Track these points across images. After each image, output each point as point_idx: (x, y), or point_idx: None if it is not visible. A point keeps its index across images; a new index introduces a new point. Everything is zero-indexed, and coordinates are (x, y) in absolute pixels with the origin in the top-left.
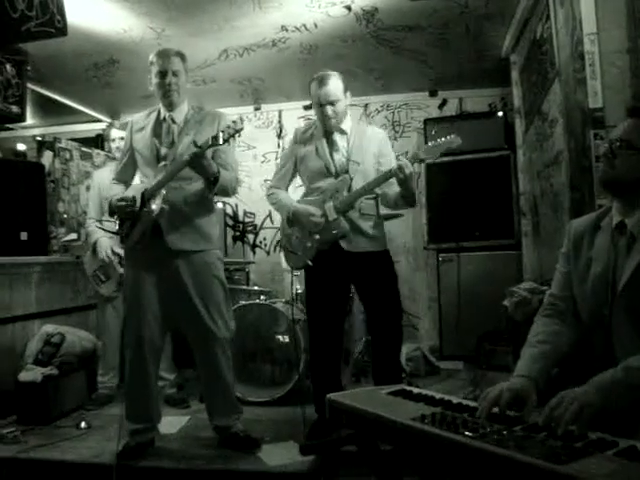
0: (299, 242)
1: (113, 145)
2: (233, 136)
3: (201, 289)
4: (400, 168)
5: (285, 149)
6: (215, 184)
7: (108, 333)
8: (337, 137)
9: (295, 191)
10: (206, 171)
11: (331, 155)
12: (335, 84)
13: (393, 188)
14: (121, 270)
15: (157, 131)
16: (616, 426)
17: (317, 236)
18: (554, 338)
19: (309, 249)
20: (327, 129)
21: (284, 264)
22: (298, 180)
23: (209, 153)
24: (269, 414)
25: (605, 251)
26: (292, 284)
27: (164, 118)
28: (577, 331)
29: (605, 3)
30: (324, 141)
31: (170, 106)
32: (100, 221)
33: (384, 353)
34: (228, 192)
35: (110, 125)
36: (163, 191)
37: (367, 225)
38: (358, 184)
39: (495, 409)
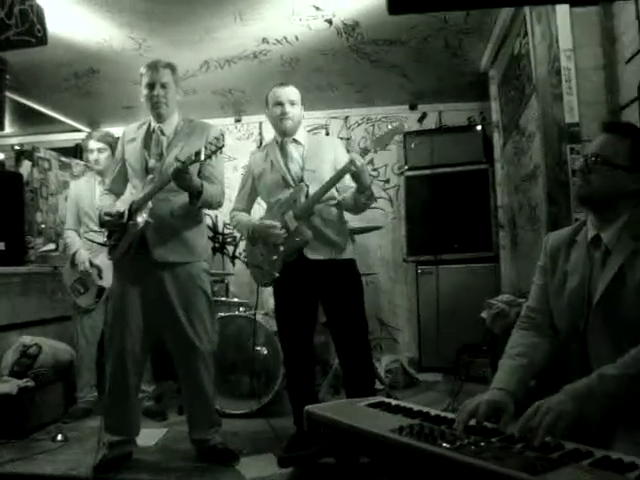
0: (264, 258)
1: (91, 157)
2: (215, 153)
3: (185, 301)
4: (351, 161)
5: (245, 171)
6: (198, 198)
7: (84, 346)
8: (291, 148)
9: (259, 210)
10: (189, 186)
11: (287, 166)
12: (294, 89)
13: (350, 191)
14: (99, 282)
15: (147, 143)
16: (591, 436)
17: (281, 247)
18: (531, 350)
19: (275, 262)
20: (282, 131)
21: None
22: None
23: (196, 167)
24: (247, 426)
25: (581, 265)
26: (257, 298)
27: (154, 130)
28: (554, 343)
29: (581, 20)
30: (278, 154)
31: (159, 118)
32: (77, 231)
33: (352, 366)
34: (212, 205)
35: (88, 136)
36: (150, 204)
37: (330, 232)
38: (314, 190)
39: (473, 421)
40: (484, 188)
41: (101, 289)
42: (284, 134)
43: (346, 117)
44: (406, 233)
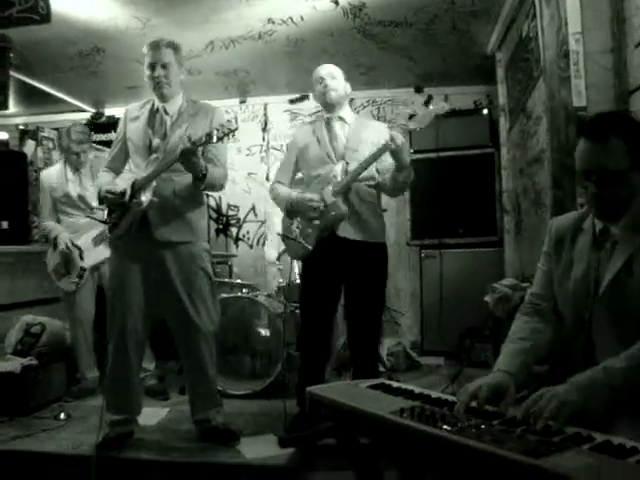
0: (300, 231)
1: (74, 158)
2: (227, 135)
3: (186, 281)
4: (392, 138)
5: (288, 144)
6: (203, 180)
7: (76, 326)
8: (337, 125)
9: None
10: (195, 167)
11: (331, 142)
12: (334, 67)
13: (389, 171)
14: (81, 263)
15: (150, 122)
16: (593, 424)
17: (317, 222)
18: (534, 335)
19: (309, 235)
20: (329, 103)
21: (269, 257)
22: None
23: (200, 148)
24: (249, 407)
25: (587, 253)
26: (290, 270)
27: (157, 109)
28: (557, 330)
29: (590, 3)
30: (324, 130)
31: (162, 98)
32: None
33: (362, 346)
34: (215, 188)
35: (68, 136)
36: (153, 183)
37: (366, 212)
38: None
39: (473, 403)
40: (489, 172)
41: (83, 269)
42: (331, 108)
43: (351, 99)
44: (410, 217)
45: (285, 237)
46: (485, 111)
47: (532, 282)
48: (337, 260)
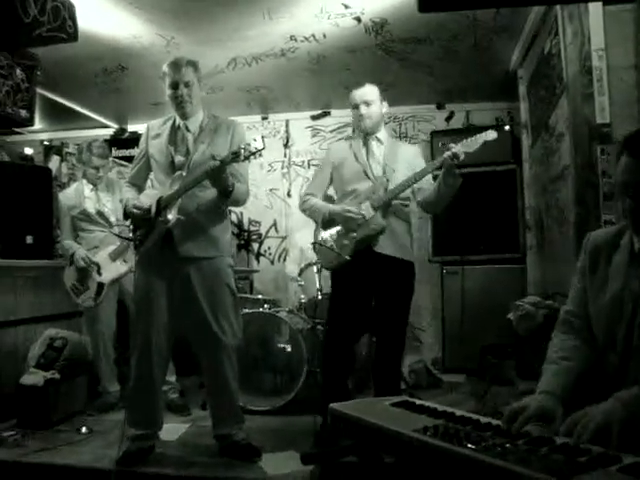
0: (334, 242)
1: (94, 172)
2: (254, 154)
3: (210, 296)
4: (455, 154)
5: (322, 159)
6: (229, 196)
7: (97, 341)
8: (374, 144)
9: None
10: (223, 185)
11: (368, 160)
12: (371, 88)
13: (430, 188)
14: (99, 279)
15: (172, 139)
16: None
17: (354, 234)
18: (574, 354)
19: (345, 247)
20: (364, 130)
21: (290, 273)
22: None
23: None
24: (270, 423)
25: (623, 271)
26: (319, 279)
27: (179, 126)
28: (593, 347)
29: (613, 19)
30: (362, 147)
31: (184, 116)
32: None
33: (386, 363)
34: (239, 203)
35: (89, 150)
36: (179, 200)
37: (402, 230)
38: (394, 185)
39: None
40: (511, 189)
41: (101, 285)
42: (366, 133)
43: None
44: (432, 233)
45: (320, 245)
46: (507, 127)
47: (555, 299)
48: (370, 274)
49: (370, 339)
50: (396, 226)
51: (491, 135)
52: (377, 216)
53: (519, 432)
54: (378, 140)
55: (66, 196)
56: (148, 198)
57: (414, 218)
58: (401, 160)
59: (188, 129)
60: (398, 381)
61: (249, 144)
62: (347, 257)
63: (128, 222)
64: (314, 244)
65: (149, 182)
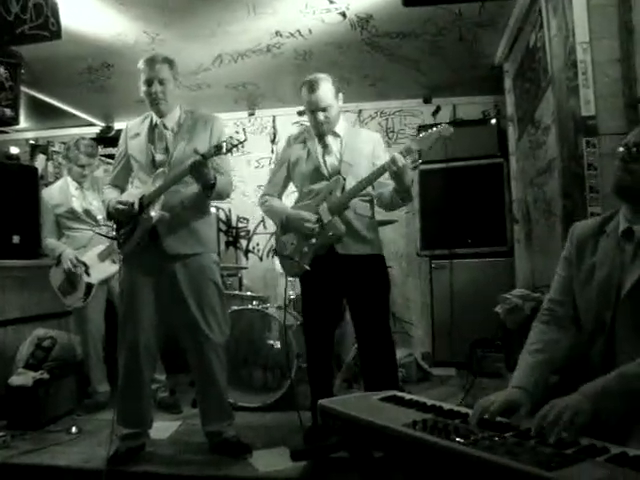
0: (295, 248)
1: (79, 171)
2: (236, 146)
3: (197, 292)
4: (393, 160)
5: (277, 156)
6: (212, 190)
7: (87, 340)
8: (330, 140)
9: (288, 197)
10: (205, 178)
11: (323, 157)
12: (325, 89)
13: (387, 188)
14: (87, 279)
15: (151, 137)
16: (608, 433)
17: (313, 240)
18: (551, 346)
19: (305, 254)
20: (320, 133)
21: (279, 269)
22: (291, 187)
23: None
24: (261, 420)
25: (610, 256)
26: (285, 290)
27: (156, 124)
28: (575, 337)
29: (597, 12)
30: (317, 144)
31: (159, 113)
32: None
33: (376, 361)
34: (223, 197)
35: (76, 148)
36: (162, 197)
37: (362, 227)
38: (351, 185)
39: (486, 416)
40: (498, 182)
41: (89, 286)
42: (322, 134)
43: (360, 111)
44: (420, 227)
45: (280, 255)
46: (493, 121)
47: (543, 292)
48: (337, 275)
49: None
50: (357, 223)
51: (446, 131)
52: (335, 221)
53: (507, 424)
54: (334, 134)
55: (50, 194)
56: (131, 197)
57: (401, 211)
58: (360, 153)
59: (166, 126)
60: (395, 375)
61: (231, 137)
62: (307, 267)
63: (112, 222)
64: (275, 254)
65: (130, 183)
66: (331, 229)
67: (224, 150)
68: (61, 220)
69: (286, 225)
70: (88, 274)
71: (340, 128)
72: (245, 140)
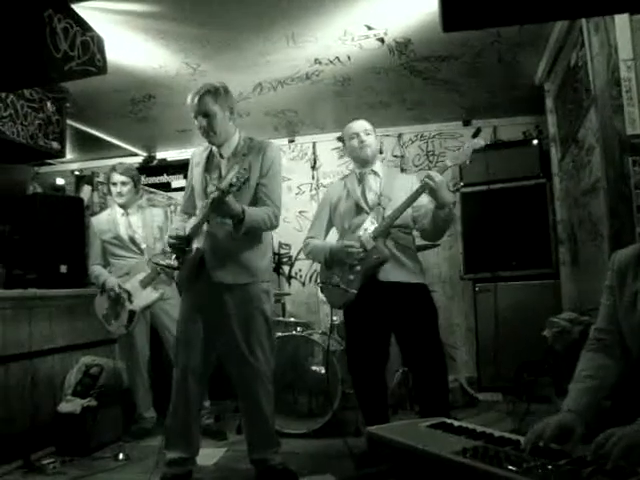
0: (341, 279)
1: (114, 189)
2: (244, 184)
3: (243, 322)
4: (429, 176)
5: (321, 200)
6: (241, 224)
7: (132, 367)
8: (370, 178)
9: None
10: (229, 213)
11: (363, 193)
12: (366, 122)
13: (428, 213)
14: (130, 306)
15: (208, 166)
16: None
17: (358, 267)
18: (601, 372)
19: (352, 282)
20: (364, 160)
21: (321, 295)
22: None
23: (251, 189)
24: (306, 446)
25: None
26: (331, 315)
27: (214, 153)
28: (624, 364)
29: None
30: (356, 183)
31: (213, 144)
32: (102, 266)
33: (428, 387)
34: (261, 229)
35: (112, 169)
36: (204, 228)
37: (404, 256)
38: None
39: (540, 443)
40: (542, 203)
41: (132, 313)
42: (365, 163)
43: (399, 135)
44: (463, 250)
45: (325, 284)
46: (535, 141)
47: (591, 315)
48: (382, 305)
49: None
50: (397, 252)
51: (477, 144)
52: (378, 245)
53: (560, 451)
54: (374, 173)
55: (99, 220)
56: (183, 228)
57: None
58: (399, 189)
59: (222, 155)
60: (447, 401)
61: (239, 172)
62: (354, 291)
63: (170, 250)
64: (321, 285)
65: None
66: (375, 253)
67: (235, 188)
68: (107, 247)
69: (330, 260)
70: (131, 301)
71: (378, 168)
72: (248, 178)
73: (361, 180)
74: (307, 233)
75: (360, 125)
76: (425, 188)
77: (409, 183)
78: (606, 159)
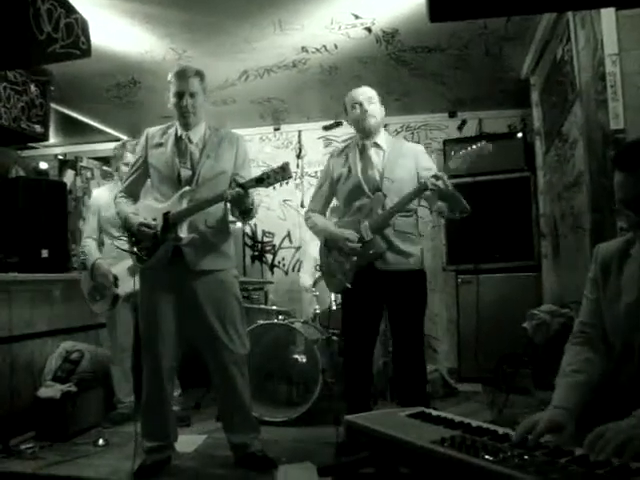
0: (338, 265)
1: (124, 168)
2: (279, 181)
3: (218, 307)
4: (436, 177)
5: (322, 172)
6: (249, 214)
7: (115, 351)
8: (372, 152)
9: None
10: (245, 207)
11: (364, 173)
12: (370, 90)
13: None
14: (116, 290)
15: (177, 150)
16: None
17: (355, 258)
18: (587, 367)
19: (348, 272)
20: (367, 130)
21: (304, 284)
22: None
23: (227, 177)
24: (286, 434)
25: (636, 280)
26: (330, 305)
27: (181, 137)
28: (608, 358)
29: (627, 23)
30: (358, 159)
31: (187, 126)
32: (95, 240)
33: (407, 374)
34: (253, 217)
35: (123, 146)
36: (190, 218)
37: (402, 243)
38: (392, 201)
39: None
40: (525, 196)
41: (116, 297)
42: (368, 134)
43: (385, 125)
44: (446, 242)
45: (324, 273)
46: (520, 135)
47: (571, 308)
48: (377, 289)
49: (385, 350)
50: (396, 240)
51: (485, 149)
52: (376, 239)
53: (556, 447)
54: (377, 146)
55: (100, 195)
56: (149, 211)
57: (427, 226)
58: (402, 167)
59: (191, 140)
60: (424, 390)
61: (276, 172)
62: (348, 285)
63: (131, 237)
64: (320, 272)
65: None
66: (372, 247)
67: (265, 184)
68: (105, 225)
69: (329, 243)
70: (117, 285)
71: (382, 139)
72: (290, 177)
73: (363, 153)
74: (308, 204)
75: (363, 92)
76: (427, 189)
77: (412, 160)
78: (589, 153)
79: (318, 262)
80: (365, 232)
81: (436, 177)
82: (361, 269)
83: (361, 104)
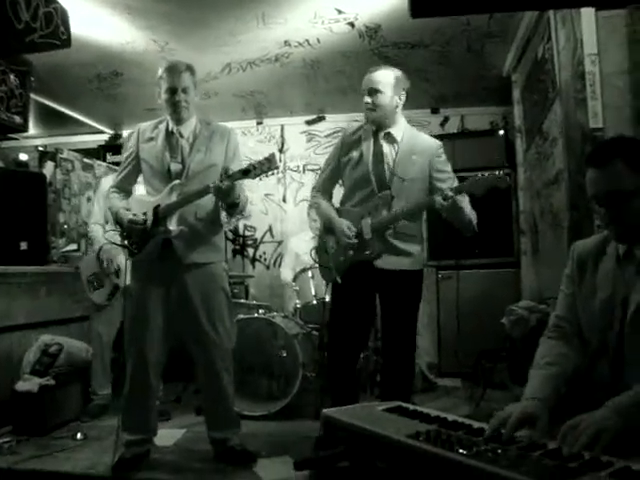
0: (334, 253)
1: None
2: (265, 173)
3: (206, 301)
4: (444, 197)
5: (333, 149)
6: (236, 209)
7: (98, 343)
8: (384, 144)
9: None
10: (232, 200)
11: (375, 166)
12: (384, 74)
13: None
14: (116, 281)
15: (167, 145)
16: (635, 448)
17: (350, 252)
18: (561, 360)
19: (341, 264)
20: (371, 123)
21: (285, 278)
22: None
23: (217, 171)
24: (265, 428)
25: (611, 277)
26: (314, 288)
27: (172, 131)
28: (582, 353)
29: (606, 24)
30: (370, 148)
31: (179, 121)
32: (102, 226)
33: (394, 371)
34: (243, 213)
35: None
36: (179, 211)
37: (402, 244)
38: (399, 203)
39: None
40: (506, 193)
41: (116, 287)
42: (376, 126)
43: None
44: (427, 237)
45: (320, 261)
46: (501, 132)
47: (549, 304)
48: (372, 286)
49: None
50: (396, 242)
51: (503, 182)
52: (375, 240)
53: (509, 438)
54: (390, 137)
55: (109, 183)
56: (140, 205)
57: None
58: (415, 165)
59: (182, 135)
60: (410, 388)
61: (262, 163)
62: (338, 279)
63: (121, 230)
64: (315, 260)
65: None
66: (368, 248)
67: (252, 176)
68: (107, 213)
69: (329, 229)
70: (118, 276)
71: (397, 130)
72: (277, 168)
73: (376, 142)
74: (315, 182)
75: (373, 78)
76: (430, 206)
77: (426, 159)
78: (568, 151)
79: (299, 257)
80: (365, 230)
81: (445, 197)
82: (355, 264)
83: (366, 94)
